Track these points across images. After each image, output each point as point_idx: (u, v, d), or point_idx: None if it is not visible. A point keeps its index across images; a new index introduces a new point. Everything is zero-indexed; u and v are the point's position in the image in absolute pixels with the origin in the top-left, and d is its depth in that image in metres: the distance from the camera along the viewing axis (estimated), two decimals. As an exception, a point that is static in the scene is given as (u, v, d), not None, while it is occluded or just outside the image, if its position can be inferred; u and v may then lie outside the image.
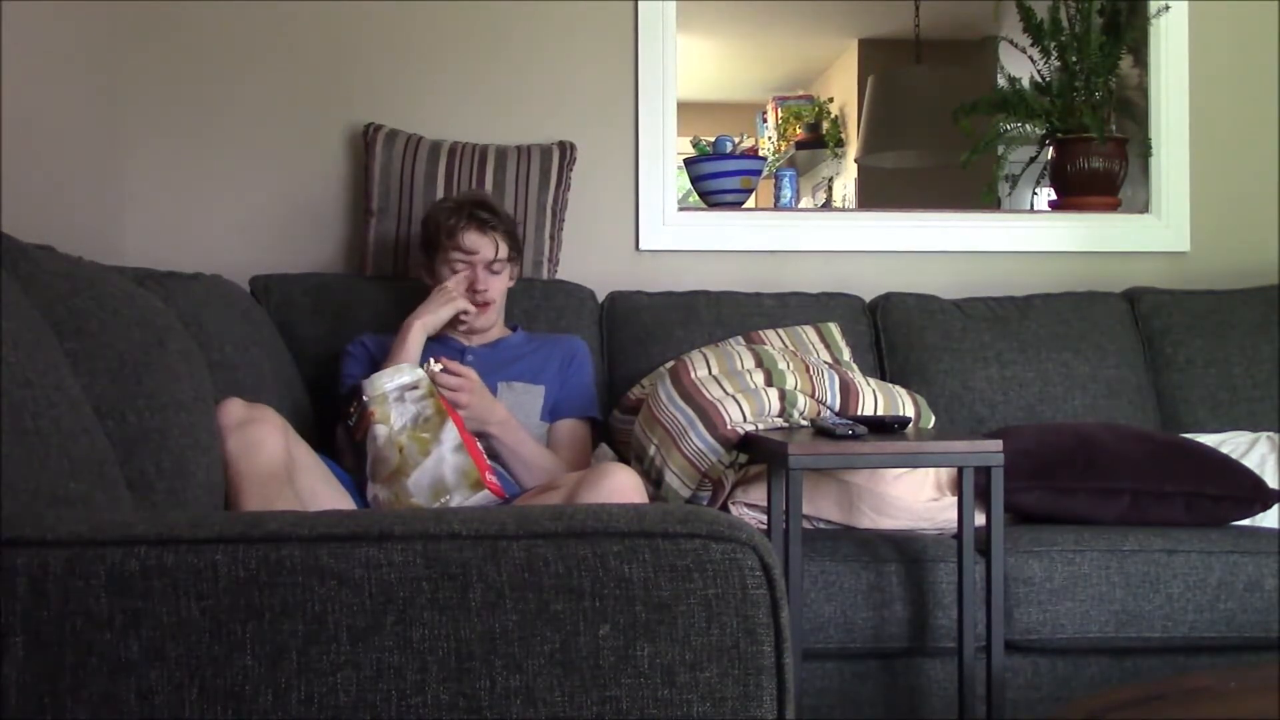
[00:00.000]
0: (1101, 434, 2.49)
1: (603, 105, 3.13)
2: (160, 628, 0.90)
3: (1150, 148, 3.26)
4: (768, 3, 5.11)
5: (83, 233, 2.67)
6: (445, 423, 2.11)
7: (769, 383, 2.32)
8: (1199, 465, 2.42)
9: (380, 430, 2.11)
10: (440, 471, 2.06)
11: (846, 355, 2.78)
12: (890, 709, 2.23)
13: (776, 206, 3.52)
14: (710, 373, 2.34)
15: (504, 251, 2.55)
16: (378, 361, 2.46)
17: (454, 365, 2.29)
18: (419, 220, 2.85)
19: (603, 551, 0.93)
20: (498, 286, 2.56)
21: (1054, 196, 3.37)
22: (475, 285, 2.52)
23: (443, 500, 2.05)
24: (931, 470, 2.38)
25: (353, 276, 2.93)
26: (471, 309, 2.51)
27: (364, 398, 2.16)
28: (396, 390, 2.16)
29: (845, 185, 5.78)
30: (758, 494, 2.33)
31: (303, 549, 0.92)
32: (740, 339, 2.77)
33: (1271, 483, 2.48)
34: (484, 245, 2.52)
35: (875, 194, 5.32)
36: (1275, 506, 2.43)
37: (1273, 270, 3.19)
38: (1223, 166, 3.27)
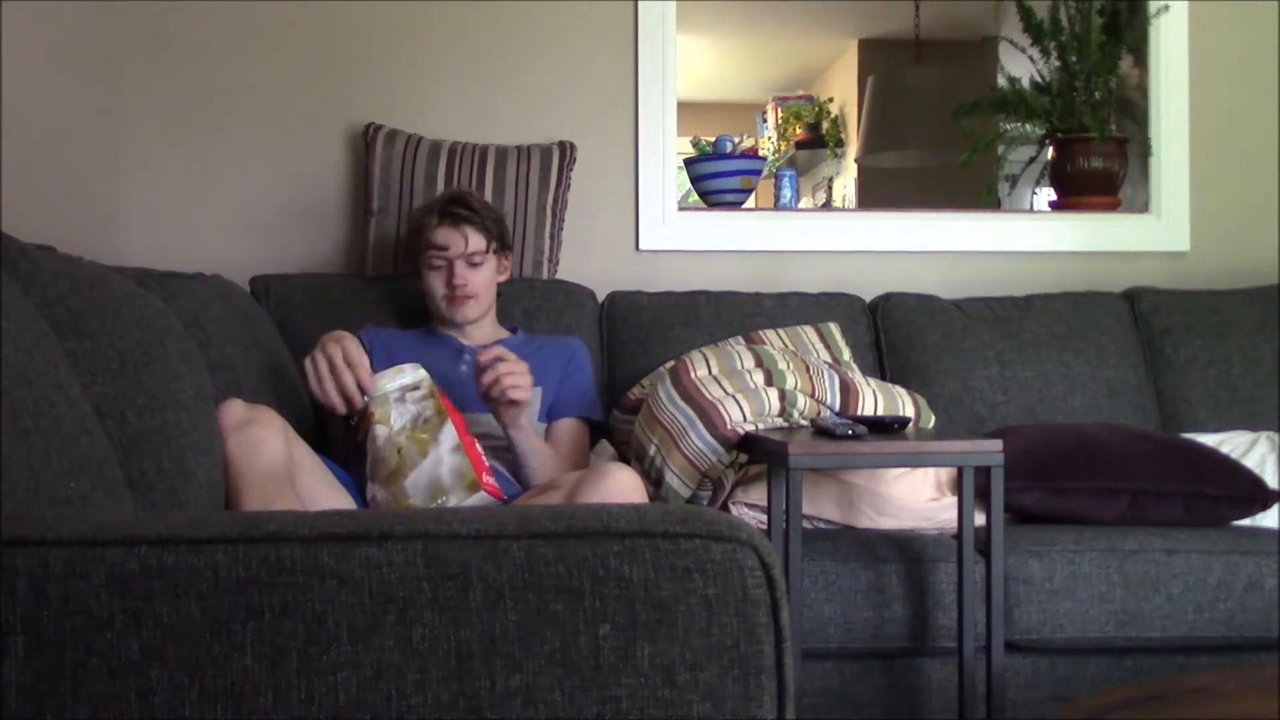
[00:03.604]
0: (1101, 434, 2.49)
1: (603, 105, 3.12)
2: (160, 628, 0.90)
3: (1150, 148, 3.26)
4: (768, 3, 5.11)
5: (83, 233, 2.67)
6: (444, 424, 2.10)
7: (769, 383, 2.32)
8: (1199, 465, 2.42)
9: (380, 431, 2.11)
10: (438, 473, 2.05)
11: (846, 355, 2.78)
12: (890, 709, 2.23)
13: (776, 206, 3.53)
14: (710, 372, 2.34)
15: (478, 244, 2.55)
16: (378, 356, 2.46)
17: (505, 356, 2.23)
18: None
19: (603, 551, 0.93)
20: (477, 279, 2.56)
21: (1054, 196, 3.37)
22: (452, 280, 2.53)
23: (439, 501, 2.04)
24: (931, 470, 2.38)
25: (353, 276, 2.93)
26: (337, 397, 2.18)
27: (365, 398, 2.16)
28: (398, 391, 2.16)
29: (845, 185, 5.78)
30: (758, 494, 2.32)
31: (303, 549, 0.92)
32: (740, 339, 2.77)
33: (1271, 483, 2.48)
34: (455, 240, 2.53)
35: (875, 194, 5.32)
36: (1275, 506, 2.43)
37: (1273, 270, 3.19)
38: (1223, 166, 3.27)
